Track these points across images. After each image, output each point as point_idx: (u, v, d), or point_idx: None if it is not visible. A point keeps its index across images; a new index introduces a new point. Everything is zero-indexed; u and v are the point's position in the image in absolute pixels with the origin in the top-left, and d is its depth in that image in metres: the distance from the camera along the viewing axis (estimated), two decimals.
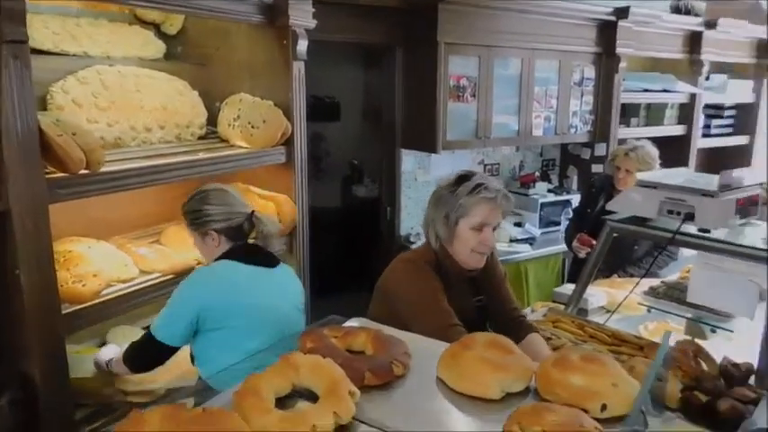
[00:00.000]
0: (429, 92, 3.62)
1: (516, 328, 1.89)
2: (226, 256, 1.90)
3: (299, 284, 2.10)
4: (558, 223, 4.26)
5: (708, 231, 1.88)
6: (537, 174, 4.54)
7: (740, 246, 1.83)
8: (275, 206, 2.68)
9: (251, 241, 2.00)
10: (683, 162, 4.70)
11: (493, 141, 3.95)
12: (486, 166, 4.41)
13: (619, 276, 2.94)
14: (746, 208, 1.96)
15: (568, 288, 2.60)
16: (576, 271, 3.25)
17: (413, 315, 1.67)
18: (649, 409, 1.54)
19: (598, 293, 2.59)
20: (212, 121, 2.67)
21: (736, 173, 1.98)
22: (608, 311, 2.66)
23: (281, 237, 2.69)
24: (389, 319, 1.77)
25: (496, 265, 1.99)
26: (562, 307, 2.49)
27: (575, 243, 3.19)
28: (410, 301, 1.73)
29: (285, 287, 2.01)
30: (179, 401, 0.86)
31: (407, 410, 0.96)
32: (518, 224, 4.20)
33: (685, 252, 2.96)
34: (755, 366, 1.78)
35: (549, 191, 4.40)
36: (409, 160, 4.00)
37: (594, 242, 3.14)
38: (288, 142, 2.65)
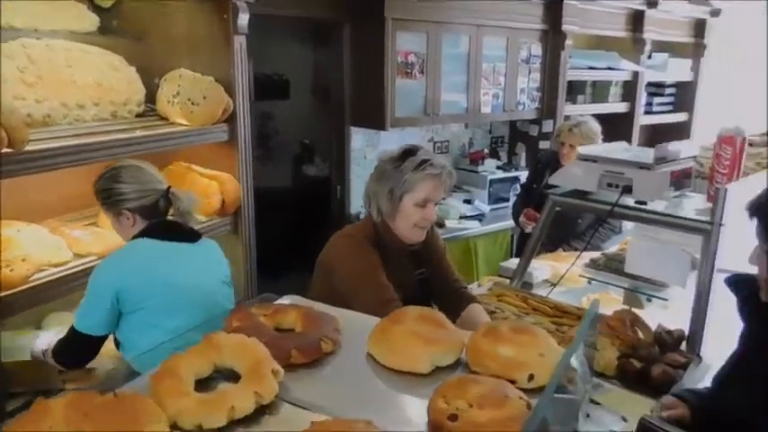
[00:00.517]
0: (377, 68, 3.59)
1: (458, 300, 1.92)
2: (141, 234, 1.84)
3: (222, 258, 2.04)
4: (507, 200, 4.31)
5: (644, 203, 1.93)
6: (486, 151, 4.58)
7: (674, 217, 1.88)
8: (218, 185, 2.62)
9: (170, 218, 1.93)
10: (626, 138, 4.79)
11: (442, 118, 3.95)
12: (435, 143, 4.41)
13: (564, 250, 3.00)
14: (681, 180, 2.01)
15: (514, 263, 2.63)
16: (524, 246, 3.30)
17: (351, 290, 1.67)
18: (586, 377, 1.58)
19: (542, 267, 2.63)
20: (151, 98, 2.58)
21: (672, 146, 2.02)
22: (552, 284, 2.71)
23: (224, 216, 2.64)
24: (330, 295, 1.76)
25: (437, 238, 2.00)
26: (508, 281, 2.52)
27: (521, 218, 3.24)
28: (348, 276, 1.72)
29: (207, 262, 1.95)
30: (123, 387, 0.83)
31: (335, 388, 0.94)
32: (467, 201, 4.23)
33: (628, 225, 3.04)
34: (687, 333, 1.84)
35: (498, 168, 4.44)
36: (358, 138, 3.96)
37: (532, 212, 3.21)
38: (230, 119, 2.58)
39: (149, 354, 1.32)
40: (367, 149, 4.01)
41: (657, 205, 1.98)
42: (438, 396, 0.83)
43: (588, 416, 1.49)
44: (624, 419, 1.50)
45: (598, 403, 1.55)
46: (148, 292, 1.73)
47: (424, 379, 0.97)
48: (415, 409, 0.88)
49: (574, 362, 1.35)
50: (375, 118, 3.67)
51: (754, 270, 1.26)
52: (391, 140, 3.94)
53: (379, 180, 1.78)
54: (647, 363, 1.73)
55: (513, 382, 0.94)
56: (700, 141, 2.47)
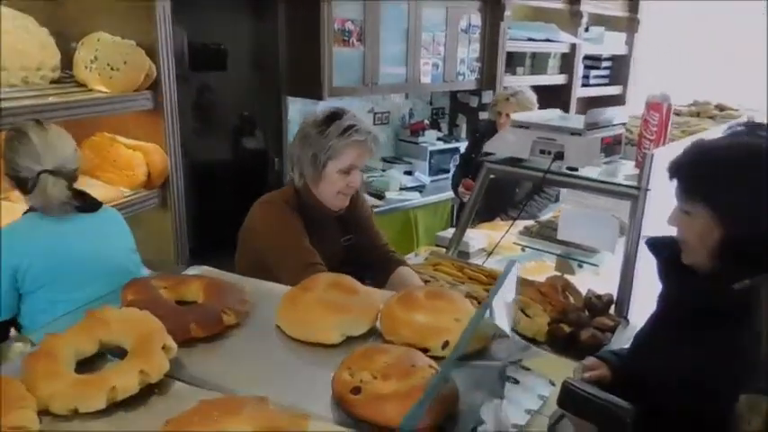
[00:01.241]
0: (313, 36, 3.48)
1: (387, 264, 1.90)
2: (32, 208, 1.72)
3: (126, 227, 1.95)
4: (448, 171, 4.29)
5: (576, 170, 1.93)
6: (426, 122, 4.54)
7: (603, 182, 1.89)
8: (143, 155, 2.49)
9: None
10: (564, 110, 4.85)
11: (381, 88, 3.88)
12: (375, 114, 4.34)
13: (501, 220, 3.00)
14: (612, 147, 2.02)
15: (451, 232, 2.61)
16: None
17: (273, 257, 1.62)
18: (511, 342, 1.57)
19: (479, 236, 2.63)
20: (68, 63, 2.41)
21: (603, 112, 2.03)
22: (488, 253, 2.71)
23: (151, 189, 2.52)
24: (254, 266, 1.70)
25: (363, 202, 1.95)
26: (444, 251, 2.50)
27: (460, 189, 3.23)
28: (269, 242, 1.67)
29: (111, 230, 1.87)
30: None
31: (236, 364, 0.88)
32: (408, 172, 4.20)
33: (565, 193, 3.07)
34: (615, 297, 1.87)
35: (439, 139, 4.41)
36: (296, 109, 3.86)
37: (471, 182, 3.20)
38: (154, 87, 2.45)
39: (48, 328, 1.22)
40: None
41: (589, 171, 1.98)
42: (343, 368, 0.78)
43: (517, 381, 1.49)
44: (552, 383, 1.50)
45: (528, 369, 1.56)
46: (49, 267, 1.62)
47: (334, 350, 0.92)
48: (322, 383, 0.82)
49: (499, 324, 1.33)
50: (312, 88, 3.57)
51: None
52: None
53: (302, 144, 1.71)
54: (576, 327, 1.74)
55: (427, 350, 0.90)
56: (632, 111, 2.50)
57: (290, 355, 0.92)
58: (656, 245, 1.31)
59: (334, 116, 1.70)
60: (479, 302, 1.89)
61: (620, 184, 1.85)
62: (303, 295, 0.96)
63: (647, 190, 1.76)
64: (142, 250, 2.66)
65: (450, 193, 3.99)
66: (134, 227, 2.60)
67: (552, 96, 4.49)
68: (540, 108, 3.20)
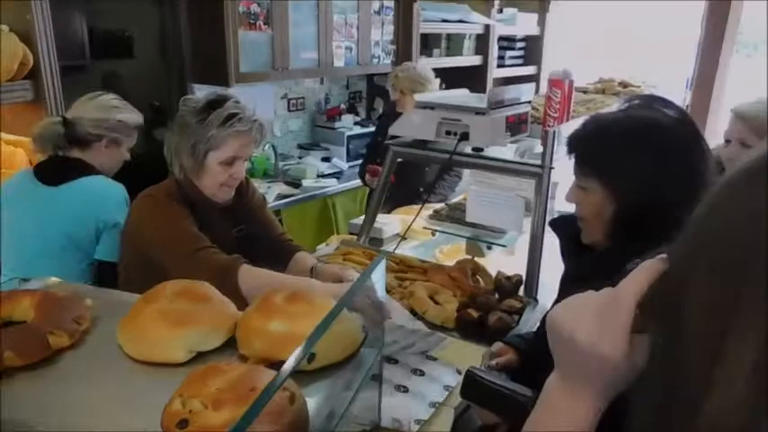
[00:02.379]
0: (217, 19, 3.31)
1: (283, 253, 1.83)
2: None
3: (97, 202, 1.90)
4: None
5: (481, 150, 1.89)
6: (343, 106, 4.45)
7: (506, 161, 1.87)
8: (25, 152, 2.29)
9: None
10: (481, 91, 4.87)
11: (292, 73, 3.75)
12: (290, 100, 4.21)
13: (415, 204, 2.96)
14: (517, 125, 2.00)
15: (362, 219, 2.55)
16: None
17: (159, 250, 1.52)
18: (418, 332, 1.52)
19: (393, 221, 2.58)
20: None
21: (507, 91, 2.00)
22: (403, 238, 2.67)
23: None
24: (140, 265, 1.58)
25: (254, 191, 1.86)
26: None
27: (366, 176, 3.18)
28: (152, 234, 1.56)
29: (67, 208, 1.83)
30: None
31: (66, 393, 0.74)
32: (325, 159, 4.10)
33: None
34: (524, 277, 1.85)
35: (356, 123, 4.33)
36: None
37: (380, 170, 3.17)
38: (33, 76, 2.24)
39: None
40: None
41: (495, 151, 1.96)
42: (175, 396, 0.66)
43: (423, 373, 1.44)
44: (459, 372, 1.47)
45: (434, 358, 1.51)
46: None
47: (180, 371, 0.77)
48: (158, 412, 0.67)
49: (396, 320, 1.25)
50: (218, 74, 3.40)
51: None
52: (239, 97, 3.69)
53: (180, 134, 1.59)
54: (484, 311, 1.72)
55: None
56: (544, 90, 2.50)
57: (130, 379, 0.78)
58: (558, 223, 1.28)
59: (215, 103, 1.58)
60: (388, 291, 1.84)
61: (524, 163, 1.83)
62: (144, 308, 0.83)
63: (551, 168, 1.75)
64: None
65: None
66: None
67: (469, 77, 4.49)
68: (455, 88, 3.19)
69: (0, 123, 2.32)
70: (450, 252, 2.54)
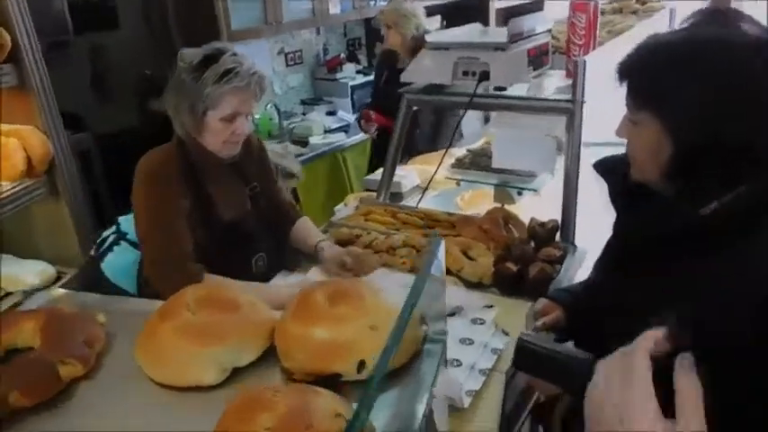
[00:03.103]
0: None
1: (287, 219, 1.78)
2: None
3: None
4: None
5: (504, 89, 1.74)
6: (343, 56, 4.25)
7: (534, 99, 1.72)
8: (19, 141, 2.16)
9: None
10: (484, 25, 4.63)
11: (287, 26, 3.55)
12: (287, 54, 4.02)
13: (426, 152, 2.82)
14: (539, 58, 1.84)
15: (378, 174, 2.42)
16: (378, 151, 3.17)
17: (142, 246, 1.47)
18: (470, 305, 1.42)
19: (411, 173, 2.45)
20: None
21: (525, 21, 1.83)
22: (424, 190, 2.54)
23: (36, 178, 2.20)
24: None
25: (262, 149, 1.74)
26: (375, 195, 2.32)
27: (362, 122, 3.07)
28: (140, 223, 1.49)
29: None
30: None
31: (85, 429, 0.64)
32: (330, 113, 3.94)
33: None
34: (559, 222, 1.73)
35: (359, 72, 4.15)
36: None
37: (374, 115, 3.07)
38: (14, 60, 2.09)
39: None
40: None
41: (518, 89, 1.81)
42: None
43: (471, 342, 1.34)
44: (505, 333, 1.37)
45: (482, 321, 1.42)
46: None
47: (216, 392, 0.68)
48: None
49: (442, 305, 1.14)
50: (209, 34, 3.21)
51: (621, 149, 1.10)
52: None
53: (177, 93, 1.49)
54: (522, 263, 1.61)
55: (339, 376, 0.68)
56: (553, 15, 2.32)
57: (158, 410, 0.67)
58: (607, 166, 1.14)
59: (211, 58, 1.45)
60: (417, 251, 1.74)
61: (552, 99, 1.68)
62: (161, 326, 0.71)
63: (582, 102, 1.60)
64: (44, 247, 2.38)
65: None
66: (28, 222, 2.30)
67: (470, 12, 4.26)
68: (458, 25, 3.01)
69: None
70: (471, 199, 2.42)
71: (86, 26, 4.37)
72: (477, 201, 2.39)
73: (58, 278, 2.21)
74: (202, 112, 1.46)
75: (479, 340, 1.36)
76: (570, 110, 1.62)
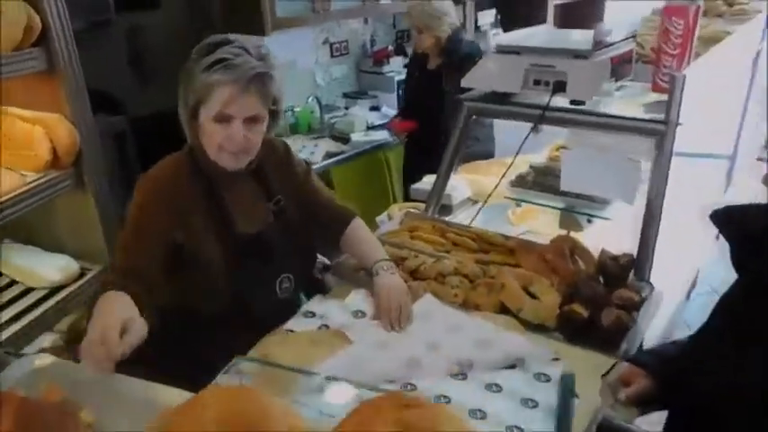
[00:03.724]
0: None
1: (337, 226, 1.56)
2: None
3: None
4: None
5: (582, 103, 1.52)
6: (391, 48, 4.04)
7: (620, 117, 1.49)
8: (44, 130, 2.02)
9: None
10: (540, 22, 4.36)
11: (333, 14, 3.37)
12: (332, 44, 3.83)
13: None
14: (621, 67, 1.61)
15: (426, 183, 2.23)
16: (410, 165, 2.99)
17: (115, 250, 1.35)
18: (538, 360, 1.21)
19: (461, 184, 2.24)
20: None
21: (607, 25, 1.59)
22: (475, 202, 2.34)
23: (62, 169, 2.07)
24: None
25: (288, 154, 1.54)
26: (423, 207, 2.12)
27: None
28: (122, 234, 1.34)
29: None
30: None
31: None
32: (374, 108, 3.75)
33: None
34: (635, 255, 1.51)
35: (406, 66, 3.92)
36: None
37: (398, 121, 2.88)
38: (43, 42, 1.95)
39: None
40: None
41: (593, 103, 1.58)
42: None
43: (536, 404, 1.14)
44: (575, 395, 1.16)
45: (547, 378, 1.21)
46: None
47: None
48: None
49: None
50: (252, 21, 3.05)
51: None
52: (278, 47, 3.33)
53: (180, 83, 1.33)
54: (594, 307, 1.39)
55: None
56: (628, 18, 2.07)
57: None
58: (726, 217, 0.93)
59: (211, 47, 1.28)
60: (470, 281, 1.53)
61: (642, 119, 1.45)
62: None
63: (677, 124, 1.36)
64: (68, 241, 2.24)
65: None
66: (52, 215, 2.18)
67: (524, 5, 4.01)
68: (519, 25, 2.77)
69: (11, 98, 2.06)
70: (525, 214, 2.20)
71: (128, 5, 4.26)
72: (530, 216, 2.17)
73: (82, 274, 2.08)
74: (193, 108, 1.29)
75: (544, 402, 1.16)
76: (662, 132, 1.39)
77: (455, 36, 2.87)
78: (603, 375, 1.20)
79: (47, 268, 2.02)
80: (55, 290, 1.95)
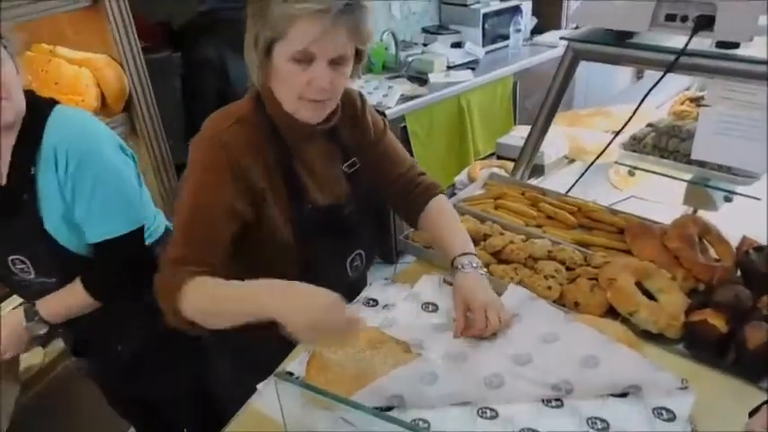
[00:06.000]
0: None
1: (416, 198, 1.29)
2: None
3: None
4: (507, 37, 3.44)
5: (735, 46, 1.15)
6: None
7: None
8: (92, 73, 1.85)
9: None
10: None
11: None
12: None
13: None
14: None
15: (515, 137, 1.91)
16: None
17: (176, 229, 1.09)
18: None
19: (556, 140, 1.91)
20: None
21: None
22: (571, 161, 2.01)
23: (112, 116, 1.91)
24: None
25: (364, 104, 1.26)
26: (510, 165, 1.83)
27: None
28: (181, 210, 1.09)
29: None
30: None
31: None
32: (456, 44, 3.37)
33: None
34: None
35: None
36: None
37: None
38: None
39: None
40: None
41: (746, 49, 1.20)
42: None
43: None
44: None
45: (671, 417, 0.93)
46: None
47: None
48: None
49: None
50: None
51: None
52: None
53: (249, 15, 1.05)
54: (736, 319, 1.08)
55: None
56: None
57: None
58: None
59: None
60: (568, 268, 1.25)
61: None
62: None
63: None
64: None
65: (511, 68, 3.19)
66: None
67: None
68: None
69: (59, 38, 1.90)
70: (621, 181, 1.86)
71: None
72: (636, 177, 1.83)
73: None
74: (267, 45, 1.02)
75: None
76: None
77: None
78: (751, 414, 0.92)
79: None
80: None
